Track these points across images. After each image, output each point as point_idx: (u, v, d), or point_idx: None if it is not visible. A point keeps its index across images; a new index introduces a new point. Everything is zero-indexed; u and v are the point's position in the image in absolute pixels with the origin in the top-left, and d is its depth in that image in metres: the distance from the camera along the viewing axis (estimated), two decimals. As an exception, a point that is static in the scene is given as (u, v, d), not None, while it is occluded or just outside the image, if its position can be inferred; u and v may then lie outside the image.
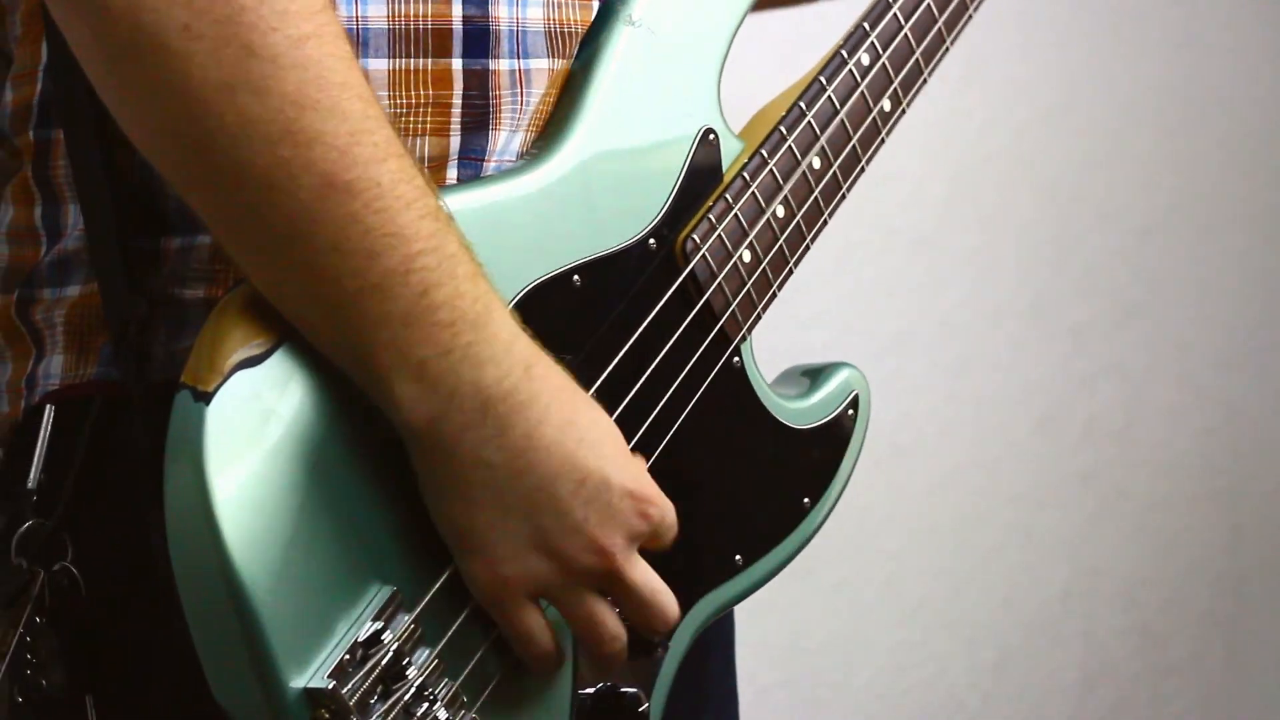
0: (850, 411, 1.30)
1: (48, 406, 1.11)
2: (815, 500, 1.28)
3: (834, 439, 1.29)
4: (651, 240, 1.16)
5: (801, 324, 2.35)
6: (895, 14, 1.28)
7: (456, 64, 1.13)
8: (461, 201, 1.08)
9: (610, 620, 1.08)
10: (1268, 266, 3.12)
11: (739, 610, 1.29)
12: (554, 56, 1.16)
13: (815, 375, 1.31)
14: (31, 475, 1.10)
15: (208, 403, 0.99)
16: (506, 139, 1.15)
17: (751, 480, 1.23)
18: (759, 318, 1.22)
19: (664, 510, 1.08)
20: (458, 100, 1.13)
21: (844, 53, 1.25)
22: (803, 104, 1.23)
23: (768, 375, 1.26)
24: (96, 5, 0.97)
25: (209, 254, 1.09)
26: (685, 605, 1.18)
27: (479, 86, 1.13)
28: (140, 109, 0.99)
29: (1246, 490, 3.06)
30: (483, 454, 1.03)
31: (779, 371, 1.32)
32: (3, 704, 1.09)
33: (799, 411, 1.27)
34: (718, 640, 1.31)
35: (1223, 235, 3.04)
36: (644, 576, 1.08)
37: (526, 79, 1.15)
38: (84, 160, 1.09)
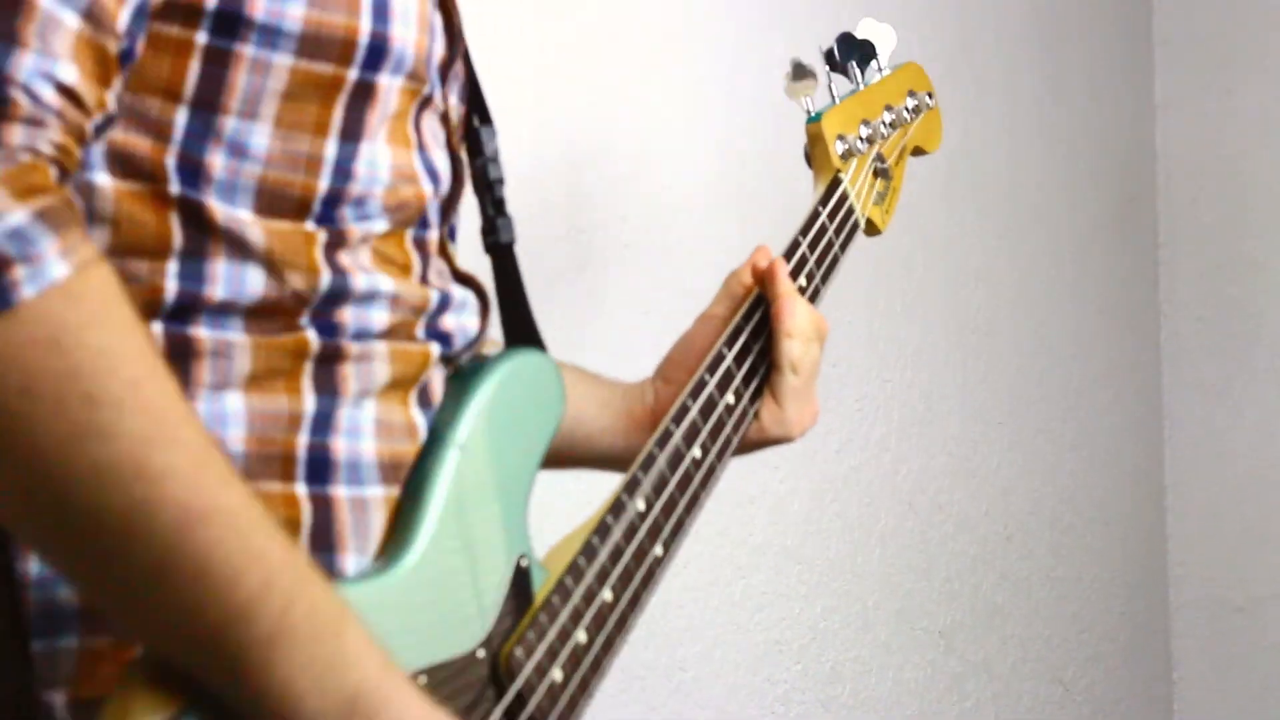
0: None
1: None
2: None
3: None
4: (480, 651, 1.23)
5: (670, 640, 2.36)
6: (662, 468, 1.39)
7: (301, 489, 1.16)
8: None
9: None
10: (1127, 562, 3.21)
11: None
12: (388, 484, 1.21)
13: None
14: None
15: None
16: (355, 563, 1.18)
17: None
18: None
19: None
20: (306, 521, 1.16)
21: (624, 496, 1.36)
22: (595, 539, 1.33)
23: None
24: None
25: (75, 657, 1.10)
26: None
27: (323, 511, 1.17)
28: None
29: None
30: None
31: None
32: None
33: None
34: None
35: (1081, 536, 3.15)
36: None
37: (364, 506, 1.19)
38: None
